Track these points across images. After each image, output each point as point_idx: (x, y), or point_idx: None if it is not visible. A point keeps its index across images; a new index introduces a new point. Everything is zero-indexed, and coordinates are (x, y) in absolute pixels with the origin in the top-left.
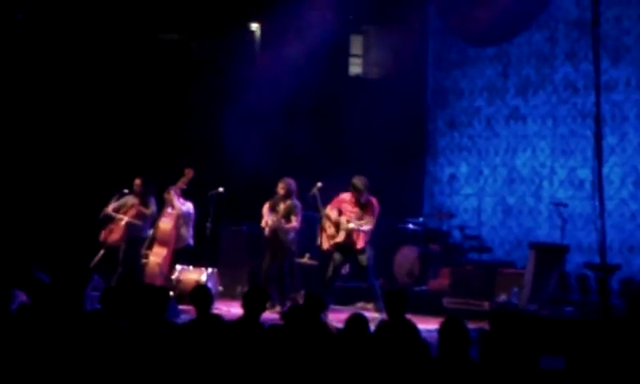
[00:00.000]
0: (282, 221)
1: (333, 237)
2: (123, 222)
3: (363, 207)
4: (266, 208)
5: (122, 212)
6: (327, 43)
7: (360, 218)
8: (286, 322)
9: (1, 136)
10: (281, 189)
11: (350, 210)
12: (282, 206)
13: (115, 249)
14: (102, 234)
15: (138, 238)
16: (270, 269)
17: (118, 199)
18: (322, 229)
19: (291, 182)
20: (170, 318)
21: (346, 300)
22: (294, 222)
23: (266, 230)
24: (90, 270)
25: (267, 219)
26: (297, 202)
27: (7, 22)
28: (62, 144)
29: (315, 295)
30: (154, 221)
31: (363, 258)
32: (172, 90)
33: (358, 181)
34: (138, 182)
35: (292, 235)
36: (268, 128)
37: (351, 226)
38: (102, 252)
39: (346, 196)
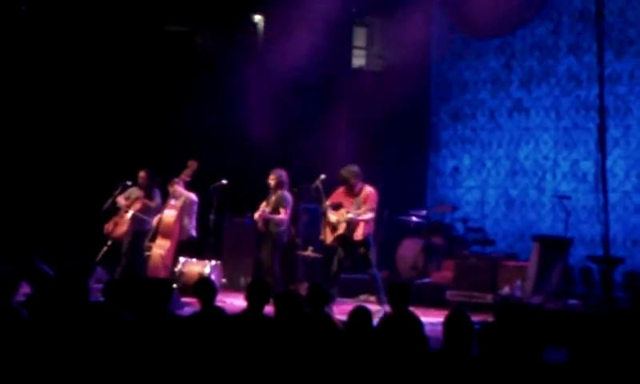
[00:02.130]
0: (266, 211)
1: (334, 231)
2: (129, 215)
3: (360, 197)
4: (264, 202)
5: (127, 204)
6: (330, 35)
7: (358, 208)
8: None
9: (5, 128)
10: (271, 180)
11: (348, 201)
12: (273, 198)
13: (118, 241)
14: (107, 227)
15: (142, 231)
16: (265, 261)
17: (122, 191)
18: (325, 224)
19: (282, 173)
20: (173, 310)
21: (349, 292)
22: (282, 214)
23: (259, 223)
24: (94, 262)
25: (261, 211)
26: (286, 194)
27: (11, 13)
28: (65, 136)
29: (319, 287)
30: (157, 213)
31: (362, 250)
32: (175, 82)
33: (344, 171)
34: (142, 174)
35: (282, 227)
36: (271, 119)
37: (350, 215)
38: (107, 245)
39: (342, 189)
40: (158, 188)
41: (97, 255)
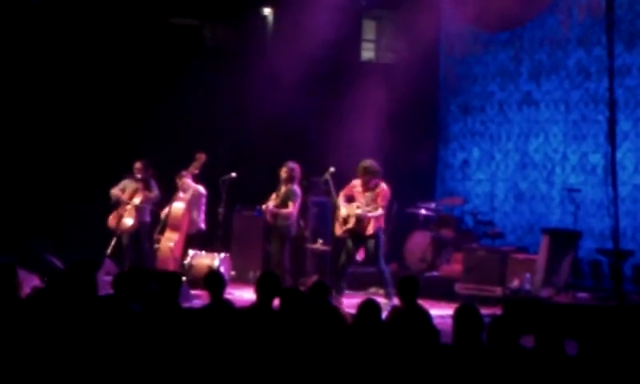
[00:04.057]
0: (270, 205)
1: (345, 223)
2: (130, 206)
3: (373, 192)
4: (274, 194)
5: (127, 196)
6: (340, 28)
7: (369, 204)
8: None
9: (13, 120)
10: (283, 173)
11: (361, 195)
12: (282, 190)
13: (125, 234)
14: (111, 221)
15: (144, 223)
16: (274, 254)
17: (119, 183)
18: (336, 216)
19: (294, 166)
20: (182, 302)
21: (358, 285)
22: (290, 208)
23: (267, 216)
24: (102, 255)
25: (266, 204)
26: (295, 189)
27: (20, 6)
28: (72, 129)
29: (321, 283)
30: (157, 204)
31: (372, 244)
32: (184, 75)
33: (364, 164)
34: (139, 165)
35: (290, 221)
36: (280, 112)
37: (359, 211)
38: (115, 239)
39: (356, 182)
40: (154, 179)
41: (103, 248)
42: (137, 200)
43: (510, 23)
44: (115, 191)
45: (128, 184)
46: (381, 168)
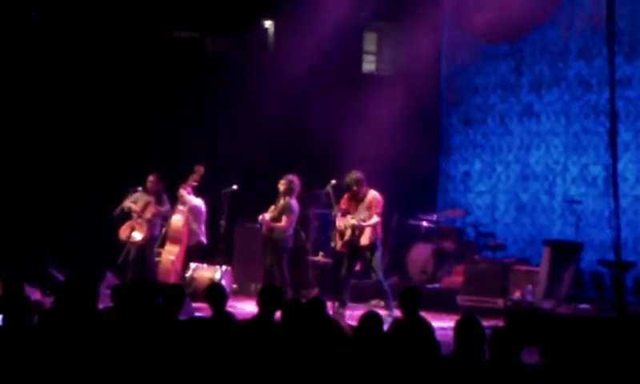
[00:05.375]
0: (266, 217)
1: (342, 237)
2: (142, 219)
3: (364, 203)
4: (272, 206)
5: (138, 209)
6: (341, 40)
7: (363, 213)
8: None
9: (15, 135)
10: (281, 185)
11: (354, 207)
12: (280, 203)
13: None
14: (123, 233)
15: (153, 236)
16: (271, 266)
17: (131, 196)
18: (335, 230)
19: (293, 178)
20: (184, 315)
21: (360, 297)
22: (284, 222)
23: (263, 227)
24: (108, 267)
25: (263, 215)
26: (292, 203)
27: (22, 19)
28: (74, 141)
29: (317, 300)
30: (167, 219)
31: (368, 255)
32: (185, 88)
33: (347, 177)
34: (152, 178)
35: (285, 234)
36: (281, 125)
37: (354, 221)
38: (126, 250)
39: (347, 195)
40: (165, 193)
41: (105, 261)
42: (148, 213)
43: (510, 35)
44: (128, 204)
45: (140, 197)
46: (364, 176)
